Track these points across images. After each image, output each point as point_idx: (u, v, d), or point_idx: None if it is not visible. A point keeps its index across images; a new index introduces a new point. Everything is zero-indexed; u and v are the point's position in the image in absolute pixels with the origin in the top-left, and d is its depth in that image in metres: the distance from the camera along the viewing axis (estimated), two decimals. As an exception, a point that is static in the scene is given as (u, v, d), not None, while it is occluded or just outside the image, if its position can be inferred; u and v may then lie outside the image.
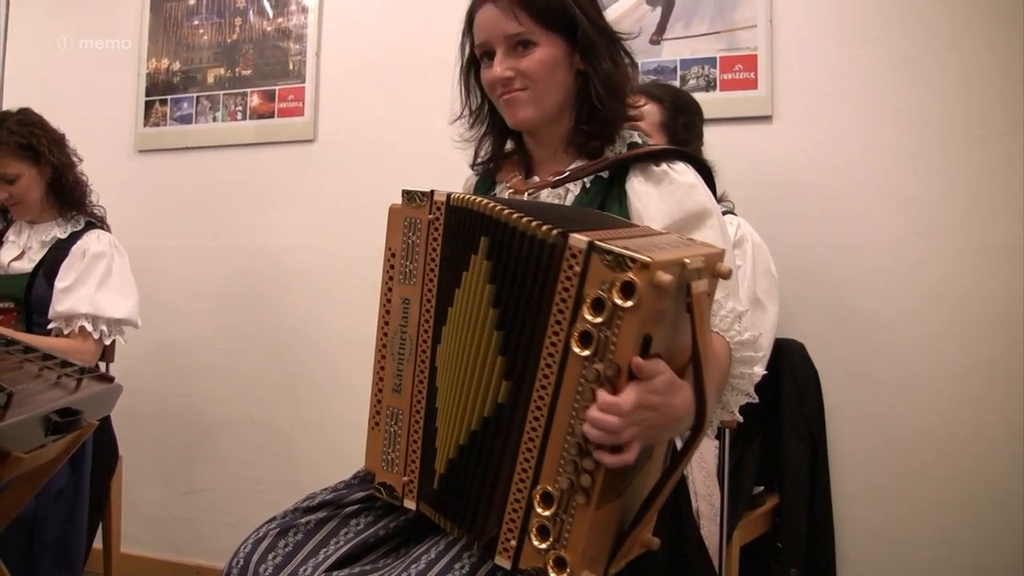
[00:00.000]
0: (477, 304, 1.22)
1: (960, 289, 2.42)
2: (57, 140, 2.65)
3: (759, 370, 1.46)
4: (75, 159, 2.70)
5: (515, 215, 1.17)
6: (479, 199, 1.25)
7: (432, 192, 1.30)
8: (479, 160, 1.68)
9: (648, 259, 1.00)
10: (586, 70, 1.51)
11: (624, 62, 1.55)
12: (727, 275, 1.18)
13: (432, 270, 1.30)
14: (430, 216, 1.29)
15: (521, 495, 1.13)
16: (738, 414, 1.45)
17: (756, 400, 1.47)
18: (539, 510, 1.10)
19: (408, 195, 1.32)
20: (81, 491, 2.41)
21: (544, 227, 1.12)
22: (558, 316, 1.09)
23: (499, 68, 1.50)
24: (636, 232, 1.18)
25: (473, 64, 1.61)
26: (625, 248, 1.03)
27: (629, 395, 1.05)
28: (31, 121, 2.60)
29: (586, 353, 1.05)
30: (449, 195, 1.29)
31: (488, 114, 1.65)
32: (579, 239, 1.06)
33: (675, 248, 1.13)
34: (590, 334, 1.05)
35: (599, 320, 1.04)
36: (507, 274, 1.18)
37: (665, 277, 1.01)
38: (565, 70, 1.51)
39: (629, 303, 1.01)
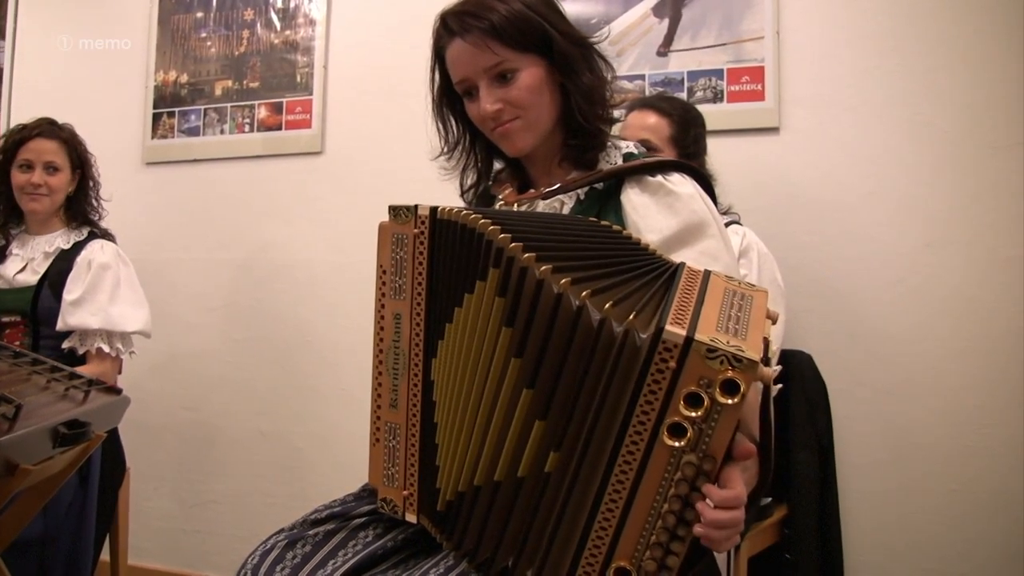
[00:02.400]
0: (489, 341, 1.20)
1: (970, 301, 2.41)
2: (94, 164, 2.77)
3: (776, 385, 1.44)
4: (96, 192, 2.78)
5: (542, 265, 1.13)
6: (467, 212, 1.24)
7: (416, 207, 1.29)
8: (467, 188, 1.68)
9: (755, 357, 0.98)
10: (566, 85, 1.49)
11: (600, 68, 1.53)
12: (776, 319, 1.17)
13: (420, 284, 1.30)
14: (415, 231, 1.29)
15: (592, 568, 1.12)
16: None
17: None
18: None
19: (394, 211, 1.32)
20: (89, 503, 2.42)
21: (604, 303, 1.08)
22: (645, 407, 1.04)
23: (487, 104, 1.48)
24: (688, 290, 1.13)
25: (445, 97, 1.59)
26: (722, 341, 0.99)
27: (739, 485, 1.04)
28: (80, 137, 2.75)
29: (678, 444, 1.02)
30: (434, 209, 1.28)
31: (470, 144, 1.64)
32: (675, 333, 1.01)
33: (744, 312, 1.10)
34: (683, 427, 1.02)
35: (696, 415, 1.01)
36: (534, 331, 1.13)
37: (769, 372, 1.00)
38: (550, 87, 1.49)
39: (733, 400, 0.99)
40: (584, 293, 1.09)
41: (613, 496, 1.09)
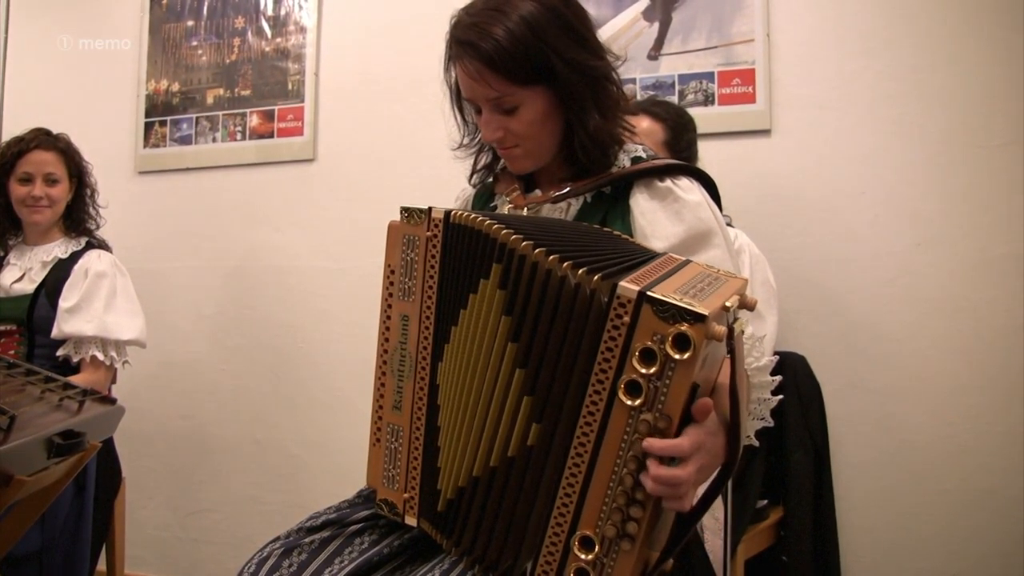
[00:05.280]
0: (489, 333, 1.21)
1: (961, 300, 2.42)
2: (91, 173, 2.78)
3: (776, 396, 1.44)
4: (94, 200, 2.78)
5: (536, 249, 1.15)
6: (479, 217, 1.24)
7: (430, 209, 1.29)
8: (477, 168, 1.67)
9: (704, 311, 0.99)
10: (570, 120, 1.46)
11: (612, 104, 1.48)
12: (752, 307, 1.18)
13: (431, 287, 1.30)
14: (428, 233, 1.29)
15: (558, 539, 1.12)
16: (754, 438, 1.45)
17: (771, 424, 1.46)
18: (579, 554, 1.10)
19: (406, 212, 1.32)
20: (85, 514, 2.42)
21: (579, 269, 1.10)
22: (603, 364, 1.06)
23: (487, 131, 1.48)
24: (663, 266, 1.16)
25: (460, 95, 1.55)
26: (676, 298, 1.01)
27: (685, 441, 1.04)
28: (76, 146, 2.76)
29: (635, 403, 1.04)
30: (447, 212, 1.28)
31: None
32: (628, 288, 1.04)
33: (710, 286, 1.12)
34: (639, 384, 1.03)
35: (650, 372, 1.02)
36: (528, 311, 1.16)
37: (720, 329, 1.00)
38: (555, 116, 1.46)
39: (684, 356, 1.00)
40: (566, 264, 1.11)
41: (576, 460, 1.10)
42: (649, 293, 1.02)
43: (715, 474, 1.15)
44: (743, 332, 1.13)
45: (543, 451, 1.15)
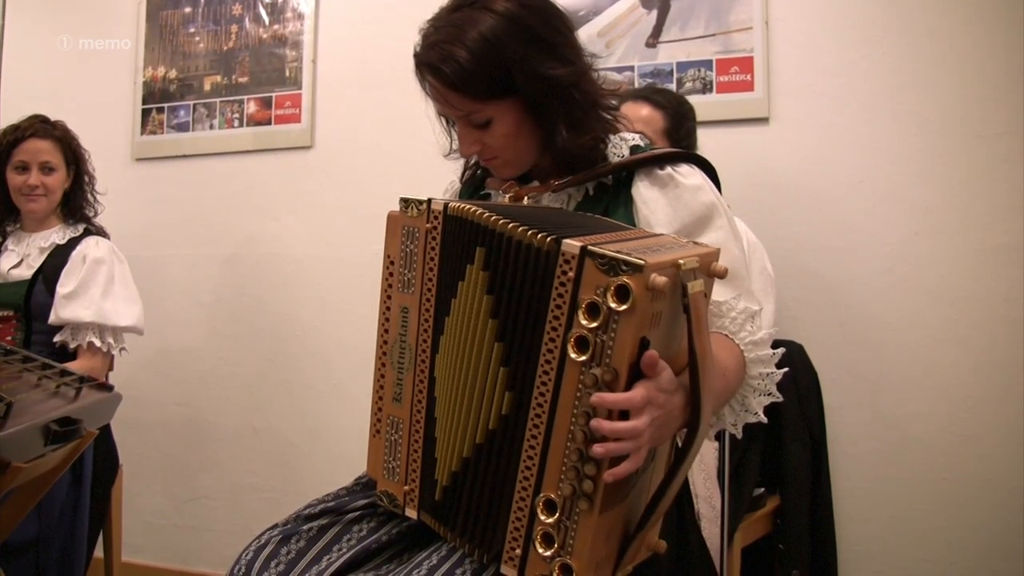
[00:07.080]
0: (475, 315, 1.21)
1: (960, 290, 2.42)
2: (88, 159, 2.76)
3: (780, 369, 1.43)
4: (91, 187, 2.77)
5: (510, 224, 1.16)
6: (475, 209, 1.23)
7: (430, 201, 1.28)
8: (469, 165, 1.66)
9: (641, 261, 1.00)
10: (546, 130, 1.44)
11: (584, 111, 1.44)
12: (723, 274, 1.18)
13: (430, 280, 1.29)
14: (428, 225, 1.28)
15: (524, 504, 1.13)
16: (763, 415, 1.44)
17: (780, 399, 1.45)
18: (542, 518, 1.10)
19: (405, 203, 1.31)
20: (82, 501, 2.42)
21: (539, 235, 1.11)
22: (554, 323, 1.09)
23: (463, 146, 1.48)
24: (632, 235, 1.18)
25: None
26: (618, 252, 1.02)
27: (637, 393, 1.04)
28: (73, 133, 2.74)
29: (583, 358, 1.05)
30: (446, 204, 1.27)
31: None
32: (572, 244, 1.06)
33: (670, 250, 1.12)
34: (586, 339, 1.04)
35: (595, 325, 1.03)
36: (504, 284, 1.17)
37: (659, 279, 1.00)
38: (531, 125, 1.44)
39: (624, 307, 1.01)
40: (531, 233, 1.13)
41: (535, 422, 1.11)
42: (590, 248, 1.04)
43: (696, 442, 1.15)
44: (704, 294, 1.12)
45: (514, 418, 1.16)
